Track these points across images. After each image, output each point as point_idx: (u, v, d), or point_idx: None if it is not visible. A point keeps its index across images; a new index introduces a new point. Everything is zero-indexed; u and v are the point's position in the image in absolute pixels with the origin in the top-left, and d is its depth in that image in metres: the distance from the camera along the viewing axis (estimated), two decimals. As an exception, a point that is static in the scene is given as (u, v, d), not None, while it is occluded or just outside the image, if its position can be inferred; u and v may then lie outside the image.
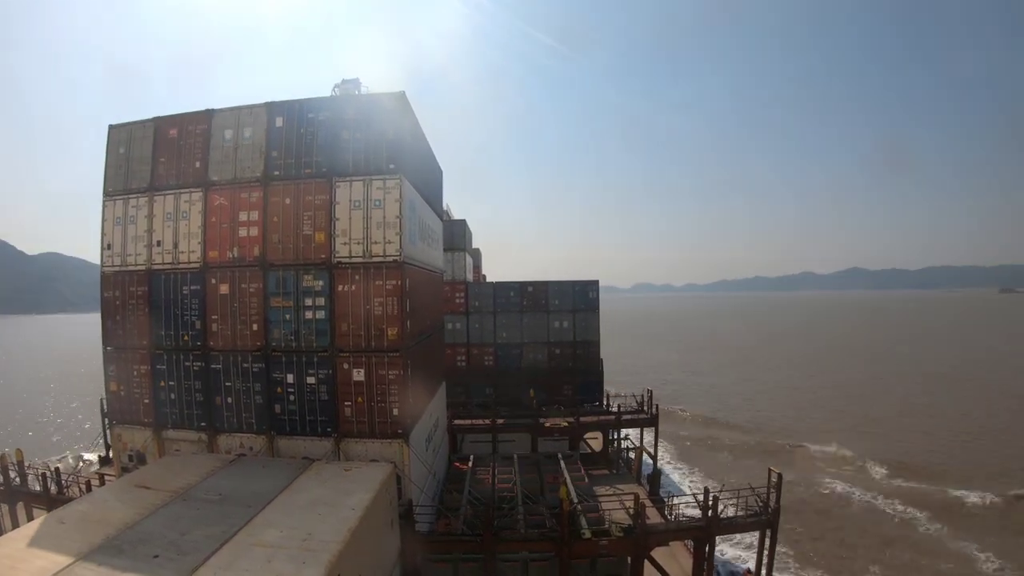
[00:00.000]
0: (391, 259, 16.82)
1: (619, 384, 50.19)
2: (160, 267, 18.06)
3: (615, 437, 34.24)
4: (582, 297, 38.82)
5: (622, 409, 34.08)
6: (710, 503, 17.81)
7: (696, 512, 18.74)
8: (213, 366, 17.64)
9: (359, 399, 16.97)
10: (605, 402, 37.62)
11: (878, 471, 43.10)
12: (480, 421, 32.14)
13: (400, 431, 16.98)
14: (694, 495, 19.07)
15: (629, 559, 17.65)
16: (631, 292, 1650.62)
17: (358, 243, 16.90)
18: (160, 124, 18.27)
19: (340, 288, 16.94)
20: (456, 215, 46.31)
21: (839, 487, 39.72)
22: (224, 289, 17.52)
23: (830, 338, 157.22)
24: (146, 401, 18.32)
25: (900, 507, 36.10)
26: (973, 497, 36.60)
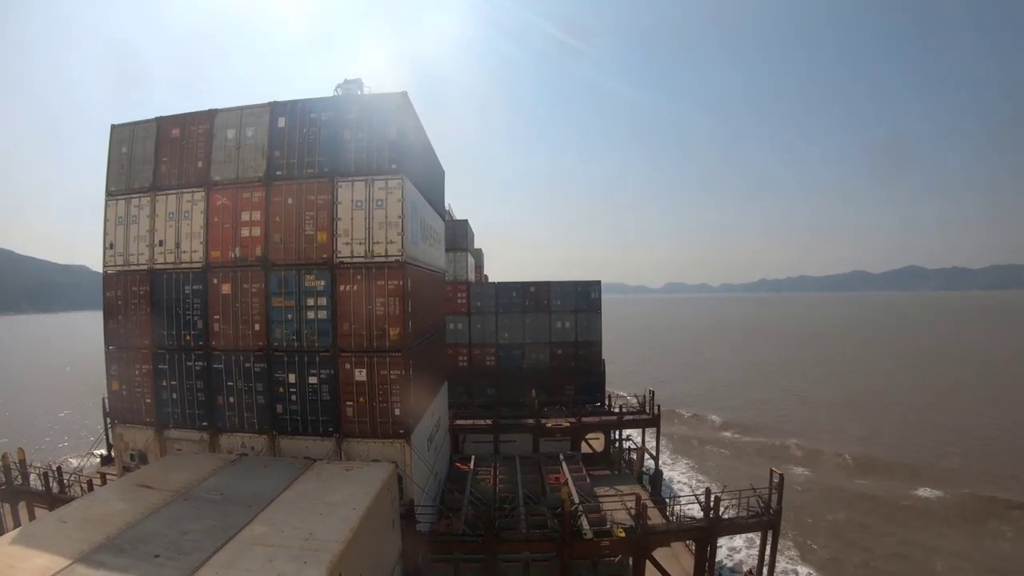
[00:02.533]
0: (393, 259, 16.82)
1: (621, 385, 50.10)
2: (162, 267, 18.08)
3: (617, 438, 34.22)
4: (584, 297, 38.80)
5: (624, 410, 34.05)
6: (711, 503, 17.77)
7: (698, 512, 18.70)
8: (215, 366, 17.66)
9: (361, 399, 16.97)
10: (607, 403, 37.60)
11: (885, 474, 42.92)
12: (482, 421, 32.14)
13: (402, 431, 16.97)
14: (695, 495, 19.03)
15: (630, 559, 17.62)
16: (663, 292, 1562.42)
17: (360, 243, 16.90)
18: (162, 124, 18.30)
19: (342, 288, 16.95)
20: (463, 215, 46.30)
21: (844, 488, 39.63)
22: (226, 289, 17.54)
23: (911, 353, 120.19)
24: (148, 401, 18.35)
25: (905, 508, 36.01)
26: (984, 499, 36.50)
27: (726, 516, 18.28)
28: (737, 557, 29.15)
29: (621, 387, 45.85)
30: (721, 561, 26.47)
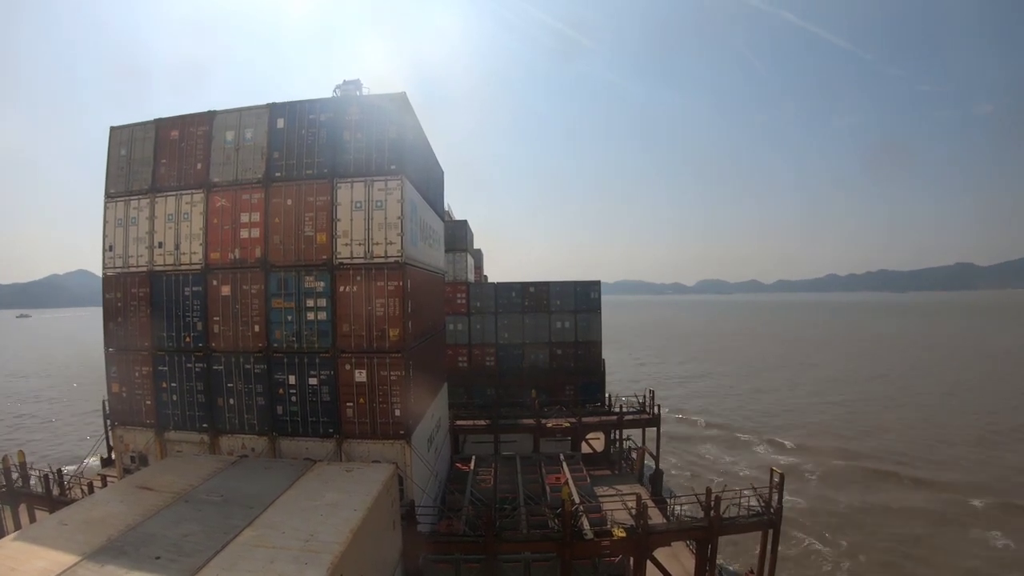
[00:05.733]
0: (393, 260, 16.83)
1: (621, 386, 49.91)
2: (162, 268, 18.08)
3: (617, 438, 34.23)
4: (584, 297, 38.87)
5: (624, 409, 34.07)
6: (712, 503, 17.78)
7: (698, 512, 18.72)
8: (215, 367, 17.66)
9: (361, 400, 16.98)
10: (607, 402, 37.63)
11: (885, 474, 42.90)
12: (482, 422, 32.15)
13: (402, 432, 16.98)
14: (696, 495, 19.04)
15: (631, 559, 17.63)
16: (696, 291, 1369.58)
17: (360, 244, 16.92)
18: (161, 125, 18.30)
19: (342, 289, 16.95)
20: (471, 215, 46.45)
21: (846, 488, 39.63)
22: (226, 290, 17.55)
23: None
24: (148, 402, 18.34)
25: (906, 509, 36.02)
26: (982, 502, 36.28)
27: (727, 515, 18.29)
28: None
29: (616, 387, 45.14)
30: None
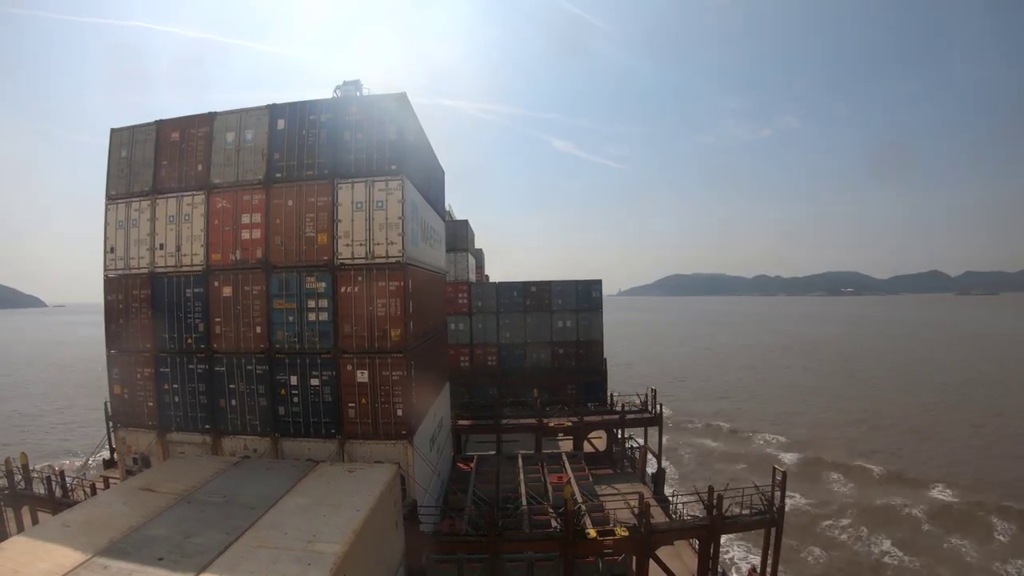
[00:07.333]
0: (394, 260, 16.82)
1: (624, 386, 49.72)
2: (163, 270, 18.09)
3: (619, 437, 34.20)
4: (585, 297, 38.84)
5: (626, 408, 34.03)
6: (715, 502, 17.75)
7: (701, 511, 18.69)
8: (217, 368, 17.66)
9: (363, 400, 16.98)
10: (609, 401, 37.60)
11: (885, 475, 42.84)
12: (484, 421, 32.14)
13: (404, 432, 16.98)
14: (699, 494, 19.01)
15: (634, 558, 17.61)
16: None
17: (361, 244, 16.91)
18: (162, 127, 18.31)
19: (343, 290, 16.95)
20: (482, 216, 46.44)
21: (844, 489, 39.59)
22: (227, 291, 17.55)
23: None
24: (150, 404, 18.35)
25: (905, 511, 35.95)
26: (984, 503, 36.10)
27: (729, 514, 18.26)
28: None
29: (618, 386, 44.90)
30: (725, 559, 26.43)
